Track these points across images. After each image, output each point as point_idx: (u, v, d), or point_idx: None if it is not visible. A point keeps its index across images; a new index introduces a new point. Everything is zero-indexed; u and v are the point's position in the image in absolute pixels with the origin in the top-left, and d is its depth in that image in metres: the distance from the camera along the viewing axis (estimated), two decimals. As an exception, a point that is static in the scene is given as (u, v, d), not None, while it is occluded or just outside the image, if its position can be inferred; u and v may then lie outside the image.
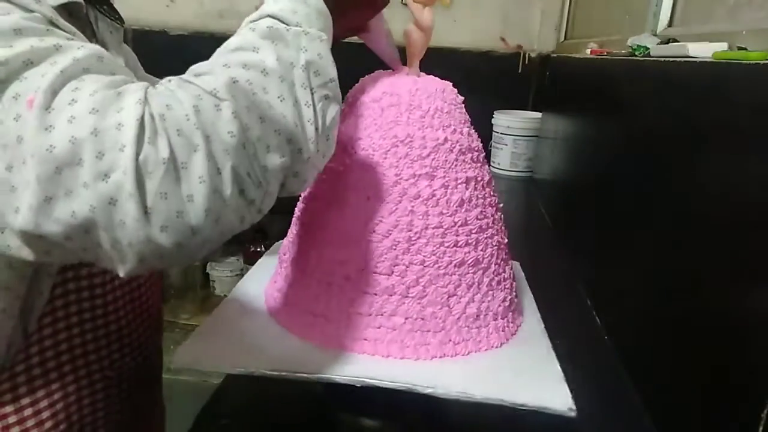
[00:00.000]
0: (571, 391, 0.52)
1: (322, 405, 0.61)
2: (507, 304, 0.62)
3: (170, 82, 0.38)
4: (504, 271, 0.62)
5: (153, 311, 0.63)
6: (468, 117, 0.62)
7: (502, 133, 1.73)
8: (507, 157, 1.73)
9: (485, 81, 1.85)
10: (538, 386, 0.52)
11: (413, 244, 0.55)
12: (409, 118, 0.57)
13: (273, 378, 0.52)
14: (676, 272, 0.62)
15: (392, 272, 0.55)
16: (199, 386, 0.89)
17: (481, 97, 1.78)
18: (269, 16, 0.43)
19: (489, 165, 1.83)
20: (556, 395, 0.51)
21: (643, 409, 0.64)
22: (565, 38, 1.88)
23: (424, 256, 0.55)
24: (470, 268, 0.57)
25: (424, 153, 0.57)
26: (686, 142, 0.63)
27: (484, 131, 1.80)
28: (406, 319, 0.55)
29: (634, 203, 0.78)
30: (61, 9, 0.43)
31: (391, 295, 0.55)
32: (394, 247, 0.55)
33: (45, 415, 0.50)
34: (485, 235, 0.59)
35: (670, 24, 1.02)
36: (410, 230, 0.55)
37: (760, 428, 0.43)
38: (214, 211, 0.35)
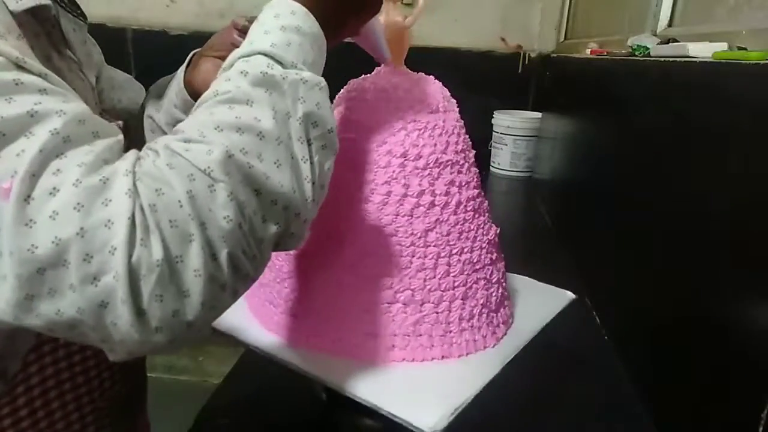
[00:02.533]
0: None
1: (322, 405, 0.61)
2: (499, 302, 0.62)
3: (158, 157, 0.34)
4: (499, 271, 0.63)
5: None
6: (459, 117, 0.62)
7: (502, 133, 1.73)
8: (507, 157, 1.73)
9: (485, 81, 1.85)
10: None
11: (406, 251, 0.55)
12: (419, 126, 0.57)
13: (274, 375, 0.53)
14: (676, 272, 0.62)
15: (389, 277, 0.55)
16: (199, 386, 0.89)
17: (481, 97, 1.79)
18: (261, 53, 0.39)
19: (489, 165, 1.83)
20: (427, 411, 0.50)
21: (643, 409, 0.64)
22: (565, 38, 1.88)
23: (420, 261, 0.56)
24: (466, 268, 0.58)
25: (420, 161, 0.57)
26: (686, 142, 0.63)
27: (484, 131, 1.81)
28: (404, 325, 0.56)
29: (634, 203, 0.78)
30: (26, 13, 0.40)
31: (391, 303, 0.55)
32: (390, 253, 0.55)
33: None
34: (479, 237, 0.59)
35: (670, 24, 1.02)
36: (405, 236, 0.55)
37: (760, 428, 0.43)
38: (211, 301, 0.33)
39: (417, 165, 0.56)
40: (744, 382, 0.46)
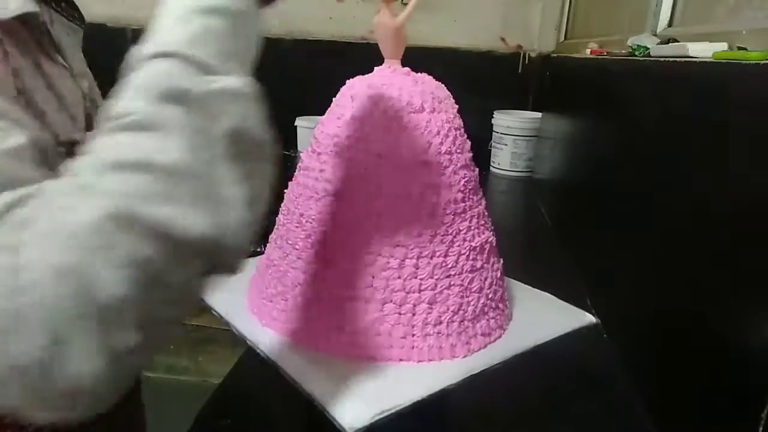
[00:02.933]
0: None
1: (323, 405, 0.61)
2: (479, 312, 0.62)
3: (36, 220, 0.27)
4: (484, 279, 0.63)
5: None
6: (458, 117, 0.62)
7: (502, 133, 1.73)
8: (507, 157, 1.73)
9: (485, 81, 1.85)
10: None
11: (373, 248, 0.55)
12: (399, 125, 0.57)
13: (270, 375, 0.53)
14: (676, 272, 0.62)
15: (355, 273, 0.55)
16: (199, 386, 0.89)
17: (481, 97, 1.79)
18: (169, 55, 0.31)
19: (489, 165, 1.82)
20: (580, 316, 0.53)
21: (643, 409, 0.64)
22: (565, 38, 1.88)
23: (385, 260, 0.56)
24: (437, 272, 0.58)
25: (396, 161, 0.57)
26: (686, 142, 0.63)
27: (484, 131, 1.81)
28: (365, 321, 0.56)
29: (633, 203, 0.78)
30: (13, 20, 0.37)
31: (354, 300, 0.55)
32: (358, 250, 0.55)
33: None
34: (457, 242, 0.59)
35: (670, 24, 1.02)
36: (409, 236, 0.55)
37: (760, 428, 0.43)
38: (113, 373, 0.28)
39: (393, 164, 0.56)
40: (744, 383, 0.46)
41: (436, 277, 0.58)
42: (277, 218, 0.65)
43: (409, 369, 0.56)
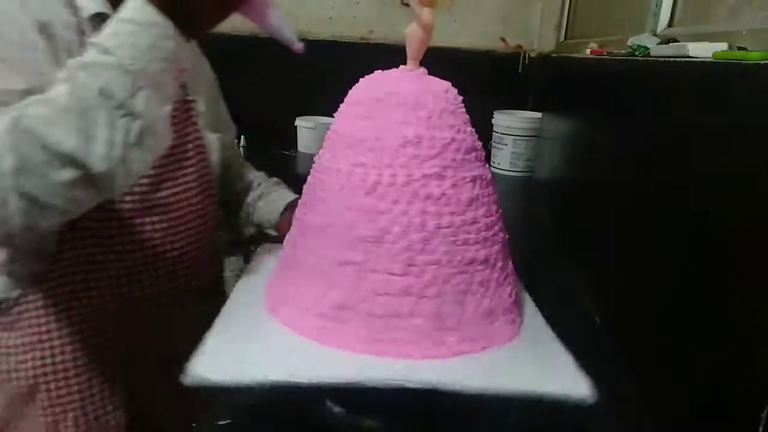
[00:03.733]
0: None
1: (323, 405, 0.61)
2: (514, 299, 0.61)
3: None
4: (509, 267, 0.62)
5: (177, 259, 0.72)
6: (468, 116, 0.62)
7: (502, 133, 1.73)
8: (507, 157, 1.73)
9: (485, 81, 1.85)
10: (555, 376, 0.52)
11: (427, 244, 0.55)
12: (416, 119, 0.57)
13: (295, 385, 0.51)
14: (676, 272, 0.62)
15: (407, 273, 0.55)
16: (199, 386, 0.89)
17: (481, 97, 1.78)
18: (92, 43, 0.49)
19: (489, 165, 1.83)
20: (575, 384, 0.51)
21: (644, 409, 0.64)
22: (565, 38, 1.88)
23: (438, 255, 0.55)
24: (480, 265, 0.57)
25: (433, 153, 0.56)
26: (686, 141, 0.63)
27: (484, 131, 1.80)
28: (423, 318, 0.55)
29: (633, 203, 0.78)
30: (93, 18, 0.59)
31: (407, 296, 0.55)
32: (408, 248, 0.55)
33: (63, 322, 0.66)
34: (492, 233, 0.59)
35: (670, 24, 1.02)
36: (423, 230, 0.55)
37: (760, 428, 0.43)
38: (6, 220, 0.47)
39: (430, 155, 0.56)
40: (744, 383, 0.46)
41: (501, 261, 0.58)
42: (293, 218, 0.64)
43: (522, 343, 0.56)
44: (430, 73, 0.63)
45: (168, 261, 0.71)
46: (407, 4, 0.58)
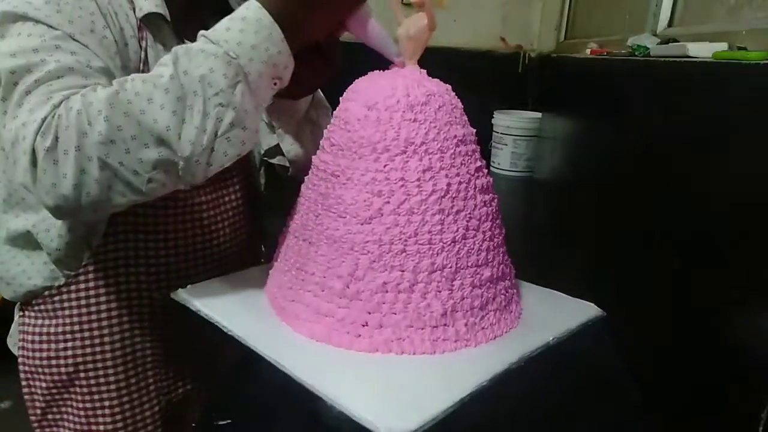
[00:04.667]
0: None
1: (321, 404, 0.61)
2: (513, 293, 0.61)
3: (88, 89, 0.50)
4: (504, 263, 0.62)
5: (207, 257, 0.73)
6: (465, 116, 0.62)
7: (502, 133, 1.73)
8: (507, 157, 1.73)
9: (485, 81, 1.85)
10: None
11: (419, 240, 0.55)
12: (413, 119, 0.57)
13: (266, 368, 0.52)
14: (676, 272, 0.62)
15: (400, 269, 0.55)
16: (199, 386, 0.89)
17: (481, 97, 1.78)
18: (203, 35, 0.51)
19: (489, 165, 1.82)
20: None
21: (644, 409, 0.64)
22: (565, 38, 1.88)
23: (433, 252, 0.55)
24: (481, 263, 0.57)
25: (432, 150, 0.56)
26: (686, 141, 0.63)
27: (484, 131, 1.80)
28: (414, 314, 0.55)
29: (634, 203, 0.78)
30: (149, 17, 0.62)
31: (399, 293, 0.55)
32: (403, 242, 0.55)
33: (103, 315, 0.68)
34: (488, 228, 0.59)
35: (670, 24, 1.02)
36: (416, 225, 0.55)
37: (760, 428, 0.43)
38: (82, 186, 0.49)
39: (429, 151, 0.56)
40: (744, 383, 0.46)
41: (497, 257, 0.58)
42: (289, 218, 0.64)
43: (433, 365, 0.54)
44: (429, 74, 0.63)
45: (208, 258, 0.73)
46: (408, 4, 0.58)
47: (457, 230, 0.57)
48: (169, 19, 0.64)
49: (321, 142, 0.60)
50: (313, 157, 0.61)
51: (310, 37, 0.56)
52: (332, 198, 0.56)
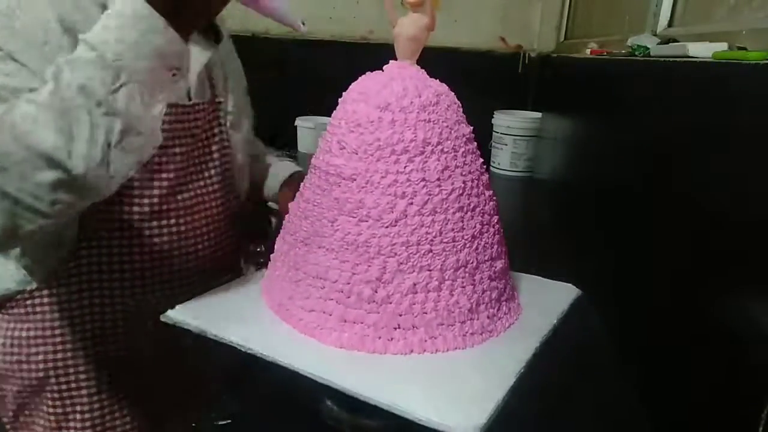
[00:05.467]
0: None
1: (322, 405, 0.61)
2: (511, 284, 0.62)
3: None
4: (507, 255, 0.62)
5: (192, 263, 0.71)
6: (464, 117, 0.61)
7: (502, 133, 1.73)
8: (507, 157, 1.73)
9: (485, 81, 1.85)
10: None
11: (444, 238, 0.55)
12: (427, 119, 0.56)
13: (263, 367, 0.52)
14: (676, 272, 0.62)
15: (428, 269, 0.55)
16: (199, 386, 0.89)
17: (481, 97, 1.78)
18: (83, 39, 0.47)
19: (489, 165, 1.82)
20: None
21: (644, 410, 0.64)
22: (565, 38, 1.88)
23: (456, 249, 0.55)
24: (481, 263, 0.57)
25: (447, 149, 0.56)
26: (686, 141, 0.63)
27: (484, 131, 1.80)
28: (444, 312, 0.55)
29: (634, 203, 0.78)
30: None
31: (428, 293, 0.55)
32: (429, 242, 0.55)
33: (65, 313, 0.66)
34: (496, 222, 0.59)
35: (670, 24, 1.02)
36: (440, 224, 0.55)
37: (760, 428, 0.43)
38: None
39: (405, 163, 0.55)
40: (744, 383, 0.46)
41: (492, 259, 0.58)
42: (290, 225, 0.63)
43: (468, 359, 0.54)
44: (429, 74, 0.63)
45: (185, 264, 0.70)
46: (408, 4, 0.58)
47: (475, 226, 0.58)
48: None
49: (323, 145, 0.60)
50: (314, 160, 0.60)
51: (200, 16, 0.52)
52: (351, 202, 0.55)
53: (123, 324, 0.69)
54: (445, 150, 0.57)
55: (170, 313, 0.57)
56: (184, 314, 0.57)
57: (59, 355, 0.67)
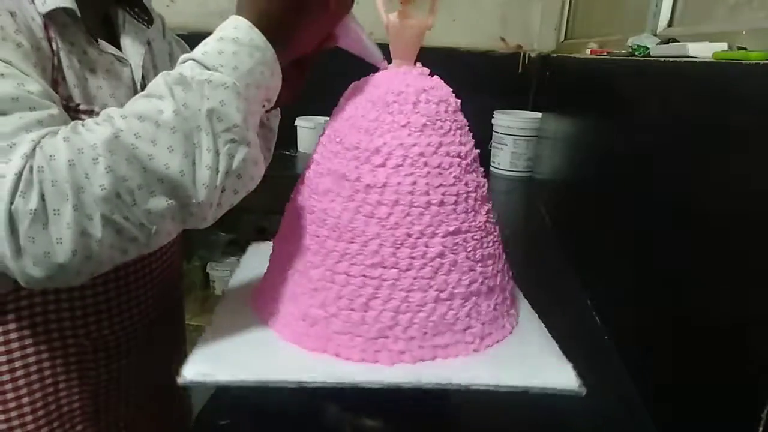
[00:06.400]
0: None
1: (321, 405, 0.61)
2: (509, 299, 0.61)
3: (63, 133, 0.42)
4: (504, 268, 0.62)
5: (140, 291, 0.66)
6: (464, 119, 0.61)
7: (502, 133, 1.74)
8: (507, 157, 1.73)
9: (485, 81, 1.85)
10: (544, 369, 0.52)
11: (423, 250, 0.55)
12: (405, 123, 0.56)
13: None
14: (676, 272, 0.62)
15: (394, 278, 0.55)
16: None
17: (481, 97, 1.78)
18: (192, 59, 0.45)
19: (489, 165, 1.82)
20: (562, 376, 0.51)
21: (643, 409, 0.64)
22: (565, 38, 1.88)
23: (434, 261, 0.55)
24: (478, 264, 0.57)
25: (463, 154, 0.57)
26: (686, 142, 0.63)
27: (484, 131, 1.81)
28: (417, 324, 0.55)
29: (634, 203, 0.78)
30: (55, 12, 0.52)
31: (388, 301, 0.54)
32: (394, 253, 0.55)
33: (19, 373, 0.58)
34: (487, 235, 0.59)
35: (670, 24, 1.02)
36: (410, 231, 0.55)
37: (760, 428, 0.43)
38: (83, 250, 0.41)
39: (401, 163, 0.55)
40: (744, 382, 0.46)
41: (495, 263, 0.58)
42: (283, 218, 0.63)
43: (514, 341, 0.56)
44: (429, 74, 0.63)
45: (145, 293, 0.66)
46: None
47: (450, 243, 0.58)
48: (79, 14, 0.54)
49: (318, 148, 0.60)
50: (312, 164, 0.60)
51: (299, 53, 0.53)
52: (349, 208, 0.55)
53: (77, 366, 0.61)
54: (462, 154, 0.57)
55: (186, 372, 0.49)
56: (202, 369, 0.50)
57: (0, 408, 0.58)
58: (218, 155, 0.44)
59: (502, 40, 1.99)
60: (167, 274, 0.71)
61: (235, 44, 0.46)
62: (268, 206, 0.88)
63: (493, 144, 1.78)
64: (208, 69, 0.45)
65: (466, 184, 0.58)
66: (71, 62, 0.54)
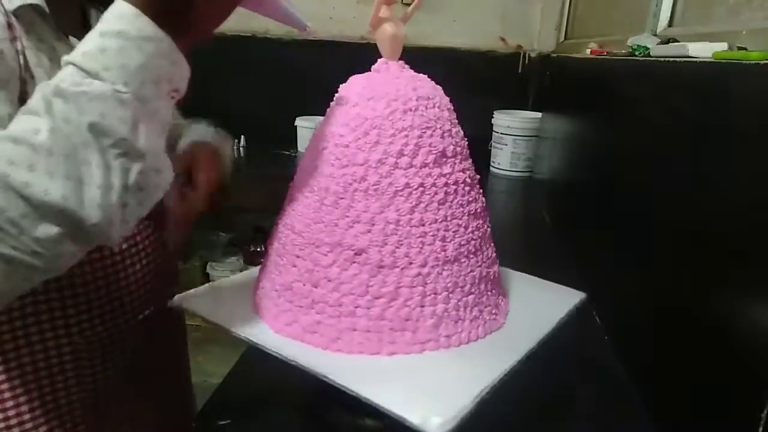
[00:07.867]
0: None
1: (321, 405, 0.61)
2: (497, 293, 0.61)
3: None
4: (492, 267, 0.62)
5: (132, 288, 0.66)
6: (454, 115, 0.61)
7: (502, 133, 1.74)
8: (507, 157, 1.73)
9: (485, 81, 1.85)
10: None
11: (400, 244, 0.55)
12: (395, 120, 0.56)
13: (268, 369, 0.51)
14: (676, 272, 0.62)
15: (377, 272, 0.55)
16: (199, 386, 0.89)
17: (481, 97, 1.79)
18: (71, 63, 0.40)
19: (489, 165, 1.81)
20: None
21: (644, 409, 0.64)
22: (565, 38, 1.88)
23: (423, 256, 0.55)
24: (463, 260, 0.57)
25: (458, 152, 0.57)
26: (686, 141, 0.63)
27: (484, 131, 1.81)
28: (407, 317, 0.55)
29: (634, 203, 0.78)
30: (22, 8, 0.50)
31: (377, 298, 0.55)
32: (380, 248, 0.55)
33: (14, 373, 0.57)
34: (475, 232, 0.59)
35: (670, 24, 1.02)
36: (396, 228, 0.55)
37: (760, 428, 0.43)
38: None
39: (390, 162, 0.56)
40: (744, 382, 0.46)
41: (480, 262, 0.58)
42: (278, 218, 0.63)
43: (444, 359, 0.55)
44: (429, 74, 0.63)
45: (129, 292, 0.65)
46: (408, 4, 0.58)
47: (462, 227, 0.58)
48: (47, 10, 0.52)
49: (311, 148, 0.60)
50: (304, 155, 0.60)
51: (203, 32, 0.46)
52: (341, 206, 0.55)
53: (73, 365, 0.61)
54: (456, 153, 0.57)
55: (177, 298, 0.54)
56: (195, 303, 0.55)
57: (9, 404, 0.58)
58: (110, 171, 0.40)
59: (502, 40, 1.99)
60: (161, 270, 0.70)
61: (119, 38, 0.39)
62: (266, 206, 0.88)
63: (493, 144, 1.78)
64: (89, 74, 0.39)
65: (447, 177, 0.58)
66: (40, 60, 0.52)
